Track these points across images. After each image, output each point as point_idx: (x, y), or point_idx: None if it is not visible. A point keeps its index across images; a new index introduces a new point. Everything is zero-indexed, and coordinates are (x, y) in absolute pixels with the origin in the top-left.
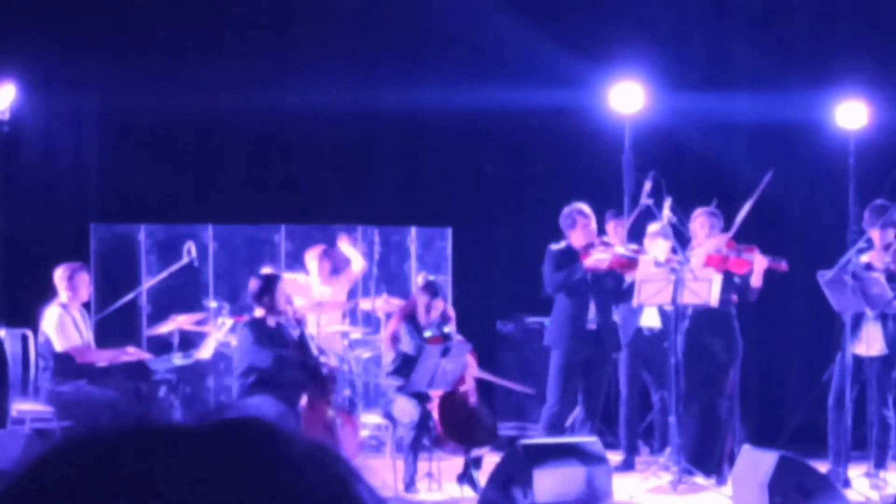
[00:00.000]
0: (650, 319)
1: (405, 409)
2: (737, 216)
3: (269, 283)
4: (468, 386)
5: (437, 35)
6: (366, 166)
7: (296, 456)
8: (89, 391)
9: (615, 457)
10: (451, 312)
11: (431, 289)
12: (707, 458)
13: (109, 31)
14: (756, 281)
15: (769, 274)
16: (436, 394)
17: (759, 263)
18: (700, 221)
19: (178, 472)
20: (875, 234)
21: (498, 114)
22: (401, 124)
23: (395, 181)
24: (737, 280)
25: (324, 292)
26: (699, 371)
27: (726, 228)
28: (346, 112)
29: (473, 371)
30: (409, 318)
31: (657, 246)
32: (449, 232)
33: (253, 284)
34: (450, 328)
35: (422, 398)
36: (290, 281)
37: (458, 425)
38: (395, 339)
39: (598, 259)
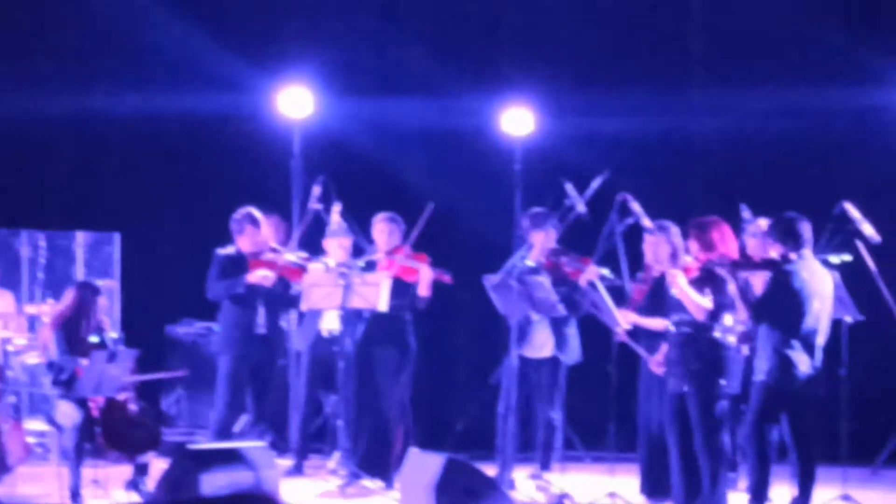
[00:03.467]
0: (331, 322)
1: (67, 413)
2: (413, 228)
3: None
4: (127, 394)
5: (105, 39)
6: (32, 170)
7: None
8: None
9: (284, 461)
10: (106, 318)
11: (91, 287)
12: (376, 462)
13: None
14: (423, 290)
15: (435, 283)
16: (94, 403)
17: (425, 274)
18: (380, 227)
19: None
20: (538, 237)
21: (168, 118)
22: (68, 128)
23: (63, 185)
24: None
25: None
26: (370, 376)
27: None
28: (11, 116)
29: (130, 377)
30: (64, 325)
31: (339, 244)
32: (117, 237)
33: None
34: (114, 334)
35: (83, 402)
36: None
37: (119, 434)
38: (45, 348)
39: (263, 276)
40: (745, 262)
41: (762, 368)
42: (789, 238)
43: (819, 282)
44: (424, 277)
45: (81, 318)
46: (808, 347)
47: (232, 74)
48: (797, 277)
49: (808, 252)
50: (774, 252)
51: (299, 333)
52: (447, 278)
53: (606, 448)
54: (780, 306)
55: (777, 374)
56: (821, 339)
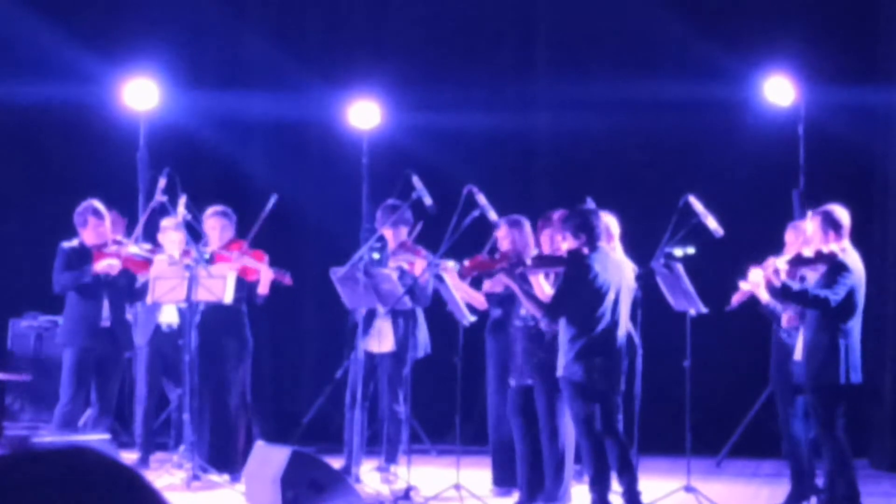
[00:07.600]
0: (169, 316)
1: None
2: (253, 227)
3: None
4: None
5: None
6: None
7: None
8: None
9: (130, 455)
10: None
11: None
12: (222, 455)
13: None
14: (263, 290)
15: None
16: None
17: (265, 275)
18: (211, 224)
19: None
20: (388, 232)
21: (11, 109)
22: None
23: None
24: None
25: None
26: (212, 368)
27: (242, 233)
28: None
29: None
30: None
31: (169, 239)
32: None
33: None
34: None
35: None
36: None
37: None
38: None
39: (108, 265)
40: (539, 258)
41: (560, 363)
42: (582, 232)
43: (615, 273)
44: (265, 278)
45: None
46: (605, 340)
47: (77, 65)
48: (590, 271)
49: (603, 244)
50: (567, 245)
51: (137, 328)
52: (288, 280)
53: (452, 441)
54: (574, 300)
55: (573, 368)
56: (621, 331)
